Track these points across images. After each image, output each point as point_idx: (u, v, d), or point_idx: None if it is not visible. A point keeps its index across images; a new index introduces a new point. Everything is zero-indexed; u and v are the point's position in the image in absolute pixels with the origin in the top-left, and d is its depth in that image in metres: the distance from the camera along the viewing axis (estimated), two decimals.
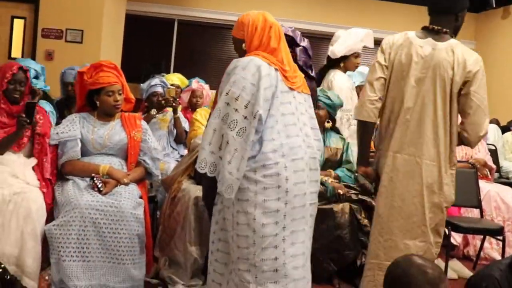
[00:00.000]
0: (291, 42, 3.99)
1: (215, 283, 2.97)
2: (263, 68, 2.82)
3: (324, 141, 4.92)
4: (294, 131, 2.90)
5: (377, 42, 11.70)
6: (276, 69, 2.89)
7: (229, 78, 2.83)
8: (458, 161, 5.54)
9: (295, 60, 3.87)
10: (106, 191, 3.63)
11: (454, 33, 3.41)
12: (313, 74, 4.10)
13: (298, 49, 4.05)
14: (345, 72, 5.42)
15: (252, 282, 2.80)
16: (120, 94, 3.92)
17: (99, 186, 3.62)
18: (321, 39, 10.81)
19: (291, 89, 2.95)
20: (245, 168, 2.75)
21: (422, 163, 3.29)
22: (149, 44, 9.85)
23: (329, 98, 4.92)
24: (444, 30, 3.36)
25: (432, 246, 3.32)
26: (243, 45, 3.04)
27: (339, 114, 5.12)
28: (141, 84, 5.79)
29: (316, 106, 4.88)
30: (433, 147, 3.28)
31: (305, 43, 4.15)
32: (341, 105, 5.04)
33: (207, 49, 10.04)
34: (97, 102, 3.93)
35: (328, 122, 4.96)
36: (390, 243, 3.38)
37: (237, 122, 2.74)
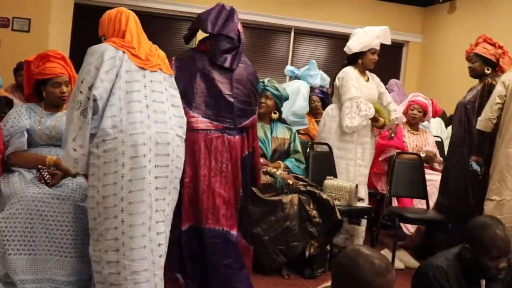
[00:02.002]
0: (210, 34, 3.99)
1: None
2: (107, 52, 3.15)
3: (271, 132, 4.97)
4: (138, 108, 3.14)
5: (335, 35, 11.76)
6: (124, 52, 3.20)
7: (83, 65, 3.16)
8: (408, 153, 5.71)
9: (210, 51, 3.92)
10: (53, 183, 3.59)
11: None
12: (228, 65, 3.92)
13: (213, 41, 3.95)
14: (363, 69, 5.51)
15: (98, 250, 3.12)
16: (67, 86, 3.86)
17: (46, 178, 3.57)
18: (279, 32, 10.89)
19: (142, 68, 3.24)
20: (88, 145, 3.07)
21: None
22: (98, 35, 9.70)
23: (277, 89, 5.05)
24: None
25: None
26: (102, 39, 3.39)
27: (348, 103, 5.26)
28: None
29: (264, 95, 5.01)
30: None
31: (224, 28, 3.96)
32: (287, 98, 5.24)
33: (157, 39, 9.89)
34: (44, 93, 3.87)
35: (274, 113, 5.11)
36: None
37: (81, 103, 3.06)
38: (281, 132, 5.07)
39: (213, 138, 3.82)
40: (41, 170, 3.60)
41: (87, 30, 9.81)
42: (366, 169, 5.45)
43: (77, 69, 3.87)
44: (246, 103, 3.98)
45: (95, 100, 3.05)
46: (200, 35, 4.14)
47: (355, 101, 5.26)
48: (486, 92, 4.85)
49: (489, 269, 2.98)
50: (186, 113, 3.64)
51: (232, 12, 4.02)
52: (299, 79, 6.88)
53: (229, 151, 3.87)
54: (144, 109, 3.17)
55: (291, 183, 4.65)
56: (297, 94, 6.41)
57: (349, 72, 5.39)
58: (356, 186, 4.92)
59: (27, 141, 3.78)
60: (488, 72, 5.01)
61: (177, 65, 3.91)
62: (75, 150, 3.07)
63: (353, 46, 5.46)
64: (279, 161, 4.93)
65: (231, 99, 3.89)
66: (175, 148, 3.28)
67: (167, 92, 3.35)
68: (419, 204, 5.63)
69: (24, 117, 3.80)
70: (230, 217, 3.85)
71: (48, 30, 7.42)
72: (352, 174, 5.35)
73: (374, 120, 5.34)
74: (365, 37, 5.46)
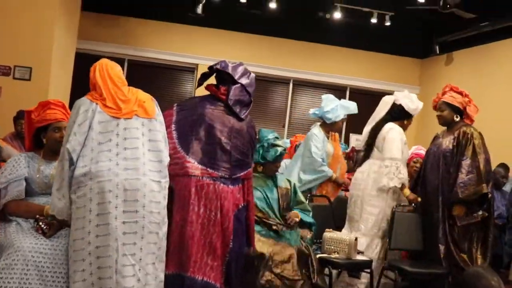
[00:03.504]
0: (229, 79, 4.03)
1: None
2: (82, 106, 3.38)
3: (274, 182, 4.90)
4: (107, 156, 3.29)
5: (333, 87, 11.90)
6: (96, 104, 3.38)
7: None
8: (406, 205, 5.64)
9: (227, 97, 3.95)
10: (51, 234, 3.53)
11: None
12: (243, 115, 4.02)
13: (233, 87, 4.01)
14: (404, 130, 5.55)
15: None
16: None
17: (44, 228, 3.53)
18: (278, 83, 11.01)
19: (115, 117, 3.38)
20: (68, 194, 3.28)
21: None
22: None
23: (284, 150, 4.93)
24: None
25: None
26: None
27: (388, 163, 5.25)
28: None
29: (278, 160, 4.83)
30: None
31: (246, 80, 4.09)
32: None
33: (156, 89, 10.03)
34: (44, 140, 3.87)
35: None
36: None
37: (63, 155, 3.30)
38: (284, 182, 5.00)
39: (205, 185, 3.78)
40: (39, 220, 3.56)
41: (88, 78, 9.94)
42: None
43: None
44: (243, 154, 3.97)
45: (69, 152, 3.27)
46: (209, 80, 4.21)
47: (395, 162, 5.27)
48: (464, 141, 5.02)
49: None
50: (182, 158, 3.69)
51: (250, 73, 4.15)
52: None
53: (220, 200, 3.81)
54: (114, 157, 3.30)
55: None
56: (304, 148, 6.29)
57: (400, 131, 5.42)
58: (356, 239, 4.88)
59: (25, 190, 3.75)
60: (457, 119, 5.18)
61: (178, 111, 3.96)
62: (59, 199, 3.33)
63: (407, 104, 5.51)
64: (295, 213, 4.82)
65: (229, 148, 3.88)
66: (146, 194, 3.32)
67: (144, 137, 3.43)
68: None
69: (22, 165, 3.78)
70: (215, 268, 3.76)
71: (49, 78, 7.49)
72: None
73: (401, 188, 5.32)
74: (420, 103, 5.56)
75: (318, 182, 6.19)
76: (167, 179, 3.50)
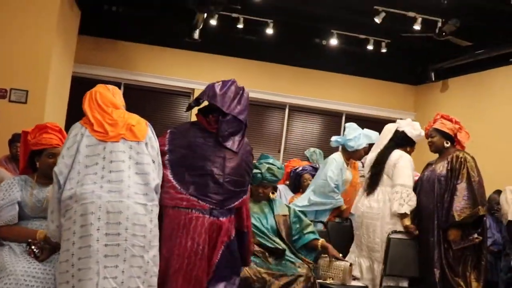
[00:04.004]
0: (219, 109, 3.83)
1: None
2: (73, 130, 3.46)
3: (272, 209, 4.89)
4: (92, 179, 3.30)
5: (330, 113, 11.91)
6: (86, 128, 3.44)
7: None
8: (403, 232, 5.62)
9: (218, 131, 3.79)
10: (43, 258, 3.52)
11: None
12: (236, 148, 3.85)
13: (224, 120, 3.81)
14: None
15: None
16: None
17: (36, 252, 3.51)
18: (274, 108, 11.05)
19: (102, 141, 3.40)
20: (59, 216, 3.32)
21: None
22: None
23: (274, 175, 4.86)
24: None
25: None
26: None
27: (399, 189, 5.24)
28: None
29: (261, 186, 4.85)
30: None
31: (237, 107, 3.86)
32: (282, 176, 5.15)
33: (152, 113, 10.05)
34: (37, 164, 3.86)
35: (272, 193, 5.01)
36: None
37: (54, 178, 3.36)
38: (281, 209, 4.97)
39: (193, 218, 3.66)
40: (31, 244, 3.54)
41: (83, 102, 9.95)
42: None
43: None
44: (237, 184, 3.84)
45: (56, 175, 3.32)
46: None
47: (406, 189, 5.26)
48: (457, 165, 5.09)
49: None
50: (174, 188, 3.63)
51: (243, 91, 3.94)
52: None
53: (208, 233, 3.70)
54: (99, 180, 3.31)
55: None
56: (321, 171, 6.39)
57: (410, 159, 5.44)
58: (351, 264, 4.85)
59: (18, 214, 3.73)
60: (448, 145, 5.26)
61: (170, 139, 3.83)
62: (52, 222, 3.37)
63: (410, 131, 5.53)
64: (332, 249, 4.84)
65: (221, 180, 3.75)
66: (130, 216, 3.28)
67: (131, 160, 3.41)
68: None
69: (15, 189, 3.76)
70: None
71: (45, 102, 7.47)
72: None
73: (403, 216, 5.29)
74: (420, 130, 5.57)
75: (326, 208, 6.25)
76: (155, 202, 3.45)
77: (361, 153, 6.42)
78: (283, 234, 4.83)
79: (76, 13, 8.78)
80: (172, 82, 10.52)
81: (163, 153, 3.71)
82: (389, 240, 5.24)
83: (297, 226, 4.93)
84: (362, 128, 6.43)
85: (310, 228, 4.93)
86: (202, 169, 3.75)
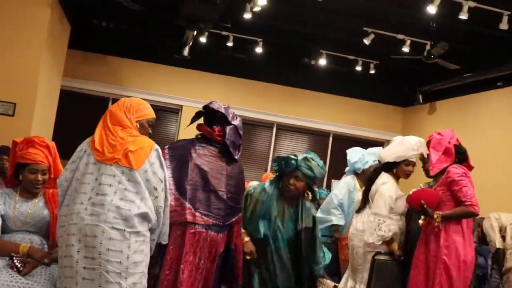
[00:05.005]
0: (223, 119, 4.09)
1: None
2: (81, 145, 3.51)
3: (297, 214, 4.74)
4: (81, 199, 3.31)
5: (317, 133, 11.92)
6: (89, 145, 3.46)
7: None
8: (387, 254, 5.60)
9: (224, 138, 4.00)
10: (26, 272, 3.49)
11: None
12: (237, 156, 4.13)
13: (228, 128, 4.06)
14: (397, 178, 5.34)
15: None
16: (44, 174, 3.81)
17: (18, 266, 3.47)
18: (261, 126, 11.05)
19: (99, 161, 3.39)
20: None
21: None
22: (83, 121, 9.75)
23: (310, 169, 4.67)
24: None
25: None
26: None
27: (372, 218, 5.12)
28: None
29: (294, 176, 4.66)
30: None
31: (237, 121, 4.17)
32: (322, 175, 4.93)
33: None
34: (20, 176, 3.82)
35: (307, 194, 4.79)
36: None
37: None
38: (307, 217, 4.77)
39: (197, 233, 3.81)
40: (14, 258, 3.50)
41: (71, 116, 9.91)
42: None
43: (61, 154, 3.88)
44: (235, 201, 4.02)
45: (58, 186, 3.45)
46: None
47: (378, 218, 5.14)
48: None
49: None
50: (182, 204, 3.76)
51: (235, 114, 4.22)
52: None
53: (209, 248, 3.85)
54: (86, 201, 3.31)
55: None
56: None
57: (390, 187, 5.21)
58: (334, 286, 4.83)
59: (1, 227, 3.68)
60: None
61: (171, 155, 3.95)
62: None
63: (385, 155, 5.37)
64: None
65: (224, 197, 3.93)
66: (104, 241, 3.23)
67: (120, 185, 3.34)
68: None
69: None
70: None
71: (33, 115, 7.43)
72: None
73: (388, 243, 5.19)
74: (400, 147, 5.33)
75: (326, 225, 6.30)
76: (136, 229, 3.32)
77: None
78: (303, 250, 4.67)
79: (66, 27, 8.77)
80: (161, 98, 10.51)
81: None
82: (373, 261, 5.22)
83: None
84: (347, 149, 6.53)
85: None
86: (205, 185, 3.90)
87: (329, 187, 10.58)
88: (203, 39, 9.45)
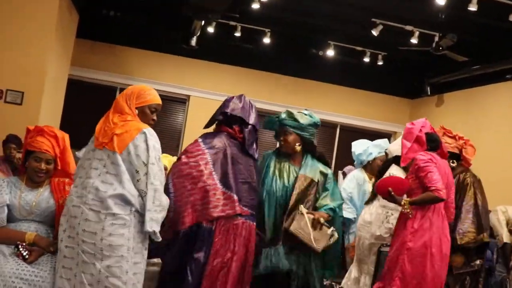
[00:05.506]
0: (240, 120, 4.23)
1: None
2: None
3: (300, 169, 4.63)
4: (76, 183, 3.54)
5: (324, 124, 12.04)
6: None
7: None
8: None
9: (244, 140, 4.18)
10: (31, 260, 3.51)
11: None
12: (256, 154, 4.30)
13: (246, 130, 4.23)
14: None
15: None
16: (48, 164, 3.82)
17: (24, 254, 3.50)
18: (263, 117, 10.99)
19: (94, 147, 3.54)
20: None
21: None
22: (90, 111, 9.76)
23: (295, 119, 4.59)
24: None
25: None
26: None
27: (380, 210, 5.12)
28: (77, 152, 5.66)
29: (282, 132, 4.63)
30: None
31: (253, 118, 4.31)
32: (314, 124, 4.80)
33: None
34: (26, 164, 3.84)
35: (299, 145, 4.64)
36: None
37: None
38: (311, 171, 4.63)
39: (240, 224, 4.02)
40: (19, 246, 3.53)
41: (79, 105, 9.93)
42: None
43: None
44: (258, 193, 4.27)
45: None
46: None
47: (386, 210, 5.12)
48: (463, 187, 4.89)
49: None
50: (230, 197, 3.95)
51: (250, 102, 4.36)
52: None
53: (246, 237, 4.04)
54: (79, 184, 3.50)
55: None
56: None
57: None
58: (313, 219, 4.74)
59: (6, 216, 3.70)
60: (454, 165, 4.97)
61: (208, 149, 4.08)
62: None
63: (394, 149, 5.33)
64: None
65: (257, 188, 4.20)
66: (81, 222, 3.37)
67: (104, 169, 3.47)
68: None
69: (4, 192, 3.73)
70: None
71: (40, 103, 7.45)
72: None
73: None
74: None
75: None
76: (112, 211, 3.35)
77: (378, 163, 6.26)
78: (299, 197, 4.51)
79: (74, 16, 8.77)
80: (168, 88, 10.51)
81: (206, 164, 3.97)
82: (379, 253, 5.22)
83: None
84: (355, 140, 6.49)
85: (336, 204, 4.70)
86: (242, 177, 4.10)
87: (336, 180, 10.58)
88: (211, 29, 9.43)
